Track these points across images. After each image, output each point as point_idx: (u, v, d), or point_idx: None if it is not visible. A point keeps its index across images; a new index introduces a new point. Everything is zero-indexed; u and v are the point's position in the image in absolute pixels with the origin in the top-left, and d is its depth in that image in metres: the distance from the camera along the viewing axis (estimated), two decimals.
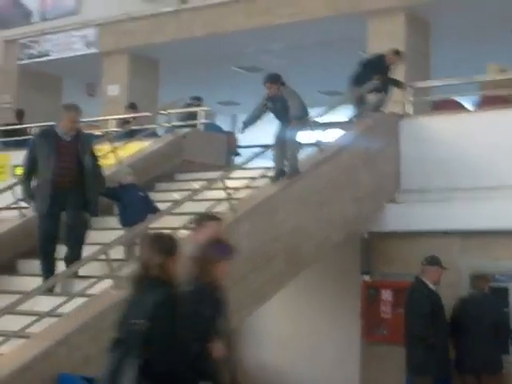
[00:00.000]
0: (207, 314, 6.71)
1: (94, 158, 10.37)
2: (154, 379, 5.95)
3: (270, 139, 11.56)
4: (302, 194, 11.16)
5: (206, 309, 6.72)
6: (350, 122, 13.23)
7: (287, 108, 11.04)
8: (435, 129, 12.77)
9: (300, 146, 11.36)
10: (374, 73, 12.84)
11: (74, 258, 9.99)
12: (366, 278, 13.03)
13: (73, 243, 10.15)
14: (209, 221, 8.12)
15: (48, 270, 10.10)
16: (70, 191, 9.96)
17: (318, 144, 11.85)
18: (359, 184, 12.09)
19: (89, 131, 16.25)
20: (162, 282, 6.09)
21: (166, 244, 6.29)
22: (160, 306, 5.95)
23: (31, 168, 10.15)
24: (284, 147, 11.13)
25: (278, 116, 11.40)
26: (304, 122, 11.24)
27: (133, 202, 10.44)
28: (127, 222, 10.32)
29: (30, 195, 10.20)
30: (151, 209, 10.49)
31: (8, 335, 8.69)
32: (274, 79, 11.21)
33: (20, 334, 8.75)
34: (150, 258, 6.16)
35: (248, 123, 11.55)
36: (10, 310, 8.78)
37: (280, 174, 11.14)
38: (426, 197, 12.43)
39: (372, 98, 13.03)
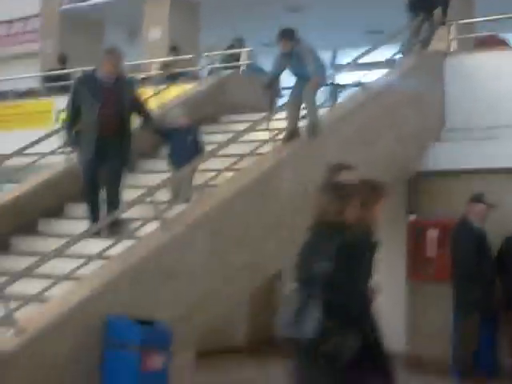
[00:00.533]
0: (369, 258, 6.89)
1: (138, 101, 10.38)
2: (336, 319, 6.33)
3: None
4: (345, 135, 11.11)
5: (368, 253, 6.90)
6: (394, 60, 13.11)
7: (303, 65, 10.66)
8: (480, 66, 12.63)
9: (317, 105, 10.86)
10: (438, 4, 12.74)
11: (113, 205, 10.09)
12: (412, 217, 13.00)
13: (111, 190, 10.21)
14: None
15: (93, 214, 10.21)
16: (113, 137, 9.99)
17: (362, 84, 11.76)
18: (404, 123, 12.01)
19: (131, 75, 16.45)
20: (340, 227, 6.52)
21: (343, 191, 6.79)
22: (342, 249, 6.39)
23: (74, 114, 10.19)
24: (299, 106, 10.79)
25: (294, 73, 11.06)
26: (322, 79, 10.82)
27: (180, 144, 10.43)
28: (174, 163, 10.35)
29: (73, 142, 10.27)
30: (199, 152, 10.44)
31: (58, 278, 8.85)
32: (289, 35, 10.77)
33: (69, 277, 8.90)
34: (328, 205, 6.63)
35: (270, 83, 11.20)
36: (58, 253, 8.92)
37: (293, 133, 10.59)
38: (472, 135, 12.33)
39: (425, 31, 12.89)
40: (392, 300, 13.31)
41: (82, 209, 10.47)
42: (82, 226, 9.93)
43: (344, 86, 12.34)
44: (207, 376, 10.42)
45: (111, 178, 10.14)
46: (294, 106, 10.63)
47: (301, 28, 11.90)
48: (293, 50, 10.63)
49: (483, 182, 12.11)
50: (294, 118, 10.59)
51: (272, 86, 11.13)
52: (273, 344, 14.79)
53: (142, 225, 9.58)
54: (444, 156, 12.45)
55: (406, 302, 12.88)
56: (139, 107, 10.34)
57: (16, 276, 8.46)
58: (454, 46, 13.14)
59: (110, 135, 9.96)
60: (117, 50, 10.25)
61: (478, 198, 11.50)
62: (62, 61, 18.21)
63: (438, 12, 12.73)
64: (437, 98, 12.58)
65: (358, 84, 11.89)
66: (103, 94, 9.97)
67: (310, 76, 10.43)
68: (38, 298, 8.61)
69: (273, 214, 10.09)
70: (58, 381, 8.07)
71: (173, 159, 10.46)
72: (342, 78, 13.52)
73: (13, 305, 8.14)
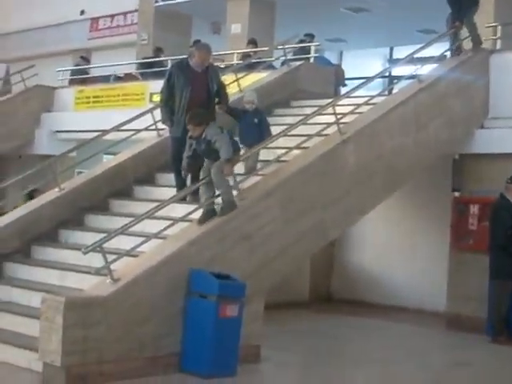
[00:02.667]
0: None
1: (221, 86, 10.38)
2: None
3: (371, 73, 11.43)
4: (402, 119, 10.99)
5: None
6: (445, 55, 12.93)
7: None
8: None
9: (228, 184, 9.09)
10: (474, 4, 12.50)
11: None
12: (457, 194, 12.87)
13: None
14: None
15: (179, 184, 10.23)
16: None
17: (416, 76, 11.62)
18: (453, 111, 11.85)
19: (215, 64, 16.45)
20: None
21: None
22: None
23: (169, 95, 10.22)
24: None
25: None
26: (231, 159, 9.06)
27: (248, 126, 10.38)
28: (242, 142, 10.32)
29: (168, 119, 10.29)
30: (263, 135, 10.22)
31: (148, 236, 8.91)
32: (197, 119, 9.15)
33: (158, 236, 8.95)
34: None
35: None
36: (149, 215, 8.97)
37: (209, 213, 9.01)
38: None
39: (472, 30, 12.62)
40: (436, 266, 13.27)
41: (169, 178, 10.51)
42: (170, 192, 9.96)
43: (400, 78, 12.15)
44: (273, 325, 10.42)
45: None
46: (208, 186, 9.04)
47: (362, 26, 11.82)
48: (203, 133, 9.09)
49: None
50: (209, 197, 9.03)
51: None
52: (330, 301, 14.93)
53: (250, 171, 9.74)
54: (486, 141, 12.28)
55: (448, 268, 12.75)
56: (220, 91, 10.32)
57: (113, 233, 8.54)
58: (498, 44, 12.89)
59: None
60: (206, 46, 10.27)
61: None
62: (157, 53, 18.27)
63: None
64: (482, 90, 12.35)
65: (413, 76, 11.73)
66: (194, 80, 10.03)
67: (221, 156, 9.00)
68: (131, 252, 8.68)
69: (336, 186, 10.04)
70: (146, 322, 8.14)
71: (241, 138, 10.42)
72: (398, 71, 13.38)
73: (110, 258, 8.22)
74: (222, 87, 10.41)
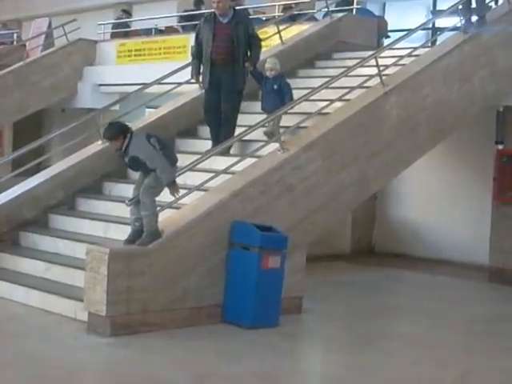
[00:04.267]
0: None
1: (252, 38, 10.20)
2: None
3: (414, 24, 11.28)
4: (445, 71, 10.84)
5: None
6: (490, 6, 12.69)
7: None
8: None
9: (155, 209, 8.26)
10: None
11: (225, 133, 10.08)
12: (500, 146, 12.71)
13: (224, 121, 10.25)
14: None
15: (214, 135, 10.29)
16: (225, 68, 10.04)
17: (461, 27, 11.43)
18: (497, 62, 11.62)
19: (256, 16, 16.34)
20: None
21: None
22: None
23: (197, 49, 10.27)
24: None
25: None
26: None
27: (268, 93, 10.29)
28: (262, 108, 10.30)
29: (197, 72, 10.35)
30: (283, 101, 10.03)
31: (190, 189, 8.94)
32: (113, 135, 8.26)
33: (200, 188, 8.98)
34: None
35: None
36: (191, 167, 9.00)
37: (135, 236, 8.19)
38: None
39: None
40: (480, 218, 13.19)
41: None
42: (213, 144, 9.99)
43: (443, 30, 11.95)
44: (315, 276, 10.47)
45: (224, 102, 10.18)
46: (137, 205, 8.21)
47: None
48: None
49: None
50: (137, 219, 8.21)
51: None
52: (372, 254, 14.93)
53: (264, 146, 9.57)
54: None
55: (491, 221, 12.67)
56: (251, 45, 10.17)
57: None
58: None
59: (221, 65, 10.03)
60: None
61: None
62: (198, 4, 18.18)
63: None
64: None
65: (457, 28, 11.55)
66: (217, 30, 10.02)
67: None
68: (174, 204, 8.73)
69: (378, 139, 9.98)
70: (189, 273, 8.23)
71: (262, 103, 10.37)
72: (442, 23, 13.17)
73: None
74: (253, 40, 10.21)
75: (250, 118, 10.35)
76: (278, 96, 10.16)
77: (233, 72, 10.05)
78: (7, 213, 9.94)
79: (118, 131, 8.21)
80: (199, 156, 9.31)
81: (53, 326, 8.11)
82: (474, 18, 11.42)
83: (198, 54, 10.28)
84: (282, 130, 9.42)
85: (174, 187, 8.22)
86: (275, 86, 10.21)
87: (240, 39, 10.03)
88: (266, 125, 9.95)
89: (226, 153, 9.85)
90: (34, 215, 10.12)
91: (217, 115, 10.26)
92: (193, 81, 11.15)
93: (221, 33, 10.03)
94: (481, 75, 11.32)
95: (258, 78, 10.44)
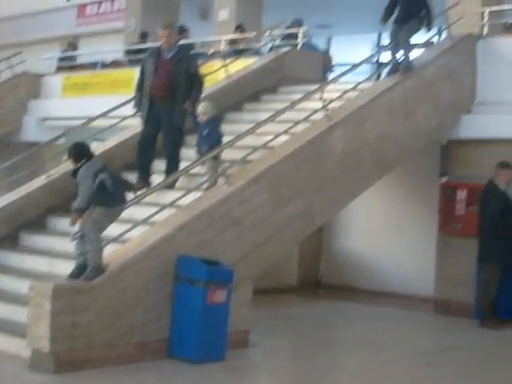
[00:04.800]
0: None
1: (196, 76, 10.16)
2: None
3: (359, 58, 11.46)
4: (389, 105, 11.01)
5: None
6: (432, 42, 12.94)
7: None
8: (508, 47, 12.38)
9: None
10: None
11: (170, 168, 10.10)
12: (444, 179, 12.88)
13: (167, 156, 10.26)
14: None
15: (141, 166, 10.29)
16: (164, 103, 10.01)
17: (403, 62, 11.61)
18: (440, 97, 11.86)
19: (202, 50, 16.40)
20: None
21: None
22: None
23: (140, 82, 10.28)
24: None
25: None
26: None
27: (200, 137, 10.07)
28: (196, 150, 10.08)
29: (137, 105, 10.35)
30: (211, 144, 9.88)
31: (136, 223, 8.90)
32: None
33: (146, 222, 8.94)
34: None
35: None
36: (137, 202, 8.96)
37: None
38: (499, 108, 12.13)
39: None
40: (425, 250, 13.31)
41: (159, 164, 10.48)
42: (159, 178, 9.96)
43: (387, 64, 12.11)
44: (261, 310, 10.45)
45: (164, 137, 10.21)
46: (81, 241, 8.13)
47: (350, 12, 11.84)
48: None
49: (508, 150, 11.95)
50: (82, 253, 8.13)
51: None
52: (319, 286, 14.97)
53: (209, 179, 9.58)
54: (474, 126, 12.28)
55: (436, 252, 12.80)
56: (193, 83, 10.08)
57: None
58: (485, 30, 12.88)
59: (160, 100, 10.02)
60: (163, 23, 10.23)
61: (504, 165, 11.45)
62: (143, 37, 18.22)
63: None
64: (469, 75, 12.37)
65: (400, 62, 11.70)
66: (159, 66, 10.03)
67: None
68: (119, 239, 8.68)
69: (323, 172, 10.06)
70: (135, 308, 8.16)
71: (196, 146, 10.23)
72: (385, 57, 13.35)
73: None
74: (194, 80, 10.12)
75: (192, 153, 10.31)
76: (208, 142, 9.99)
77: (171, 108, 10.00)
78: None
79: (75, 152, 8.25)
80: (144, 190, 9.28)
81: None
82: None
83: (140, 86, 10.28)
84: (227, 164, 9.43)
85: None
86: (205, 132, 10.02)
87: (180, 76, 9.98)
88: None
89: (171, 187, 9.84)
90: None
91: (149, 149, 10.22)
92: (138, 114, 11.16)
93: (162, 68, 10.04)
94: (424, 110, 11.51)
95: (194, 121, 10.25)
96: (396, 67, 11.58)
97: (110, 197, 8.09)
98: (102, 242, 8.17)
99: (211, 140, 9.96)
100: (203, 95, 10.45)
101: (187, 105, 10.03)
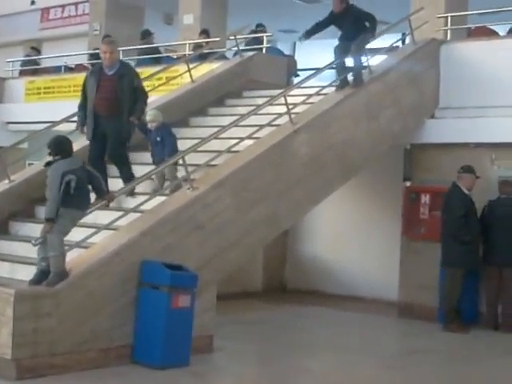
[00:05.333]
0: None
1: (139, 90, 10.05)
2: None
3: (323, 63, 11.51)
4: (352, 110, 11.06)
5: None
6: (396, 46, 13.02)
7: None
8: (471, 53, 12.47)
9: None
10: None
11: (125, 176, 10.04)
12: (408, 183, 12.95)
13: (118, 166, 10.20)
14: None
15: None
16: (109, 119, 9.89)
17: (367, 66, 11.66)
18: (404, 101, 11.93)
19: (167, 54, 16.38)
20: None
21: None
22: None
23: (83, 100, 10.14)
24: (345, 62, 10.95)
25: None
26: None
27: (153, 144, 10.25)
28: (152, 160, 10.26)
29: (81, 123, 10.21)
30: (165, 152, 10.02)
31: (99, 228, 8.85)
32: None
33: (109, 227, 8.89)
34: None
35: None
36: (100, 207, 8.90)
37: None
38: (462, 113, 12.22)
39: None
40: (388, 254, 13.36)
41: (113, 170, 10.38)
42: (118, 184, 9.91)
43: (351, 69, 12.16)
44: (226, 315, 10.46)
45: (110, 151, 10.05)
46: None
47: (315, 17, 11.85)
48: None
49: (471, 155, 12.06)
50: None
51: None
52: (284, 291, 14.97)
53: (173, 184, 9.56)
54: (437, 130, 12.39)
55: (400, 257, 12.85)
56: (136, 97, 9.96)
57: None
58: (449, 35, 12.99)
59: (105, 117, 9.91)
60: (105, 38, 10.16)
61: (467, 169, 11.54)
62: None
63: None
64: (432, 80, 12.45)
65: (364, 67, 11.74)
66: (101, 82, 9.91)
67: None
68: (83, 244, 8.62)
69: (288, 176, 10.07)
70: (98, 314, 8.11)
71: (151, 156, 10.33)
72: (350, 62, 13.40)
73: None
74: (138, 93, 10.01)
75: (140, 168, 10.23)
76: (163, 147, 10.10)
77: (117, 124, 9.84)
78: None
79: (54, 145, 8.25)
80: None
81: None
82: (350, 78, 11.50)
83: (83, 105, 10.13)
84: (191, 169, 9.40)
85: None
86: (158, 138, 10.13)
87: (124, 92, 9.86)
88: (153, 178, 9.94)
89: (131, 194, 9.80)
90: None
91: (101, 165, 10.02)
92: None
93: (105, 84, 9.90)
94: (387, 113, 11.57)
95: (144, 131, 10.35)
96: (345, 82, 11.39)
97: (72, 199, 8.03)
98: (65, 247, 8.12)
99: (169, 148, 10.03)
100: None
101: (133, 118, 9.87)
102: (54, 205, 7.98)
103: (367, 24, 11.54)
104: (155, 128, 10.22)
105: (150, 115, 10.26)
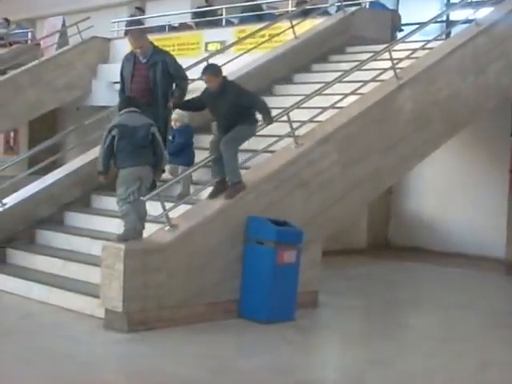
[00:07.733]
0: None
1: (177, 76, 9.73)
2: None
3: (428, 17, 11.27)
4: (459, 64, 10.81)
5: None
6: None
7: None
8: None
9: None
10: None
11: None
12: None
13: None
14: None
15: None
16: (145, 109, 9.21)
17: (474, 19, 11.38)
18: (511, 55, 11.61)
19: (270, 11, 16.30)
20: None
21: None
22: None
23: (122, 87, 9.91)
24: None
25: None
26: None
27: (174, 144, 9.98)
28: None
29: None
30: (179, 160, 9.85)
31: (205, 184, 8.96)
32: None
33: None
34: None
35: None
36: (205, 164, 8.99)
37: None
38: None
39: None
40: (497, 212, 13.12)
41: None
42: None
43: (456, 22, 11.87)
44: (330, 271, 10.49)
45: None
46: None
47: None
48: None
49: None
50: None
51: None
52: (388, 248, 14.92)
53: (277, 141, 9.55)
54: None
55: (507, 211, 12.61)
56: (175, 80, 9.71)
57: (173, 180, 8.65)
58: None
59: (142, 106, 9.36)
60: (133, 31, 9.93)
61: None
62: (210, 0, 18.20)
63: None
64: None
65: (470, 20, 11.49)
66: (136, 71, 9.69)
67: None
68: (189, 200, 8.75)
69: (393, 132, 9.97)
70: (206, 269, 8.25)
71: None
72: (456, 15, 13.14)
73: (168, 206, 8.30)
74: (176, 79, 9.72)
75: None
76: (179, 151, 9.92)
77: (152, 113, 9.25)
78: (23, 211, 10.02)
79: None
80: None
81: (69, 323, 8.16)
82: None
83: (122, 91, 9.91)
84: (295, 125, 9.39)
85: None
86: (177, 140, 9.98)
87: (157, 80, 9.60)
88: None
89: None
90: (50, 213, 10.19)
91: None
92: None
93: (139, 74, 9.68)
94: (495, 68, 11.26)
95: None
96: (223, 185, 8.80)
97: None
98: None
99: (186, 159, 9.91)
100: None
101: (170, 105, 9.53)
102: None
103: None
104: (177, 128, 10.05)
105: (177, 113, 10.02)
